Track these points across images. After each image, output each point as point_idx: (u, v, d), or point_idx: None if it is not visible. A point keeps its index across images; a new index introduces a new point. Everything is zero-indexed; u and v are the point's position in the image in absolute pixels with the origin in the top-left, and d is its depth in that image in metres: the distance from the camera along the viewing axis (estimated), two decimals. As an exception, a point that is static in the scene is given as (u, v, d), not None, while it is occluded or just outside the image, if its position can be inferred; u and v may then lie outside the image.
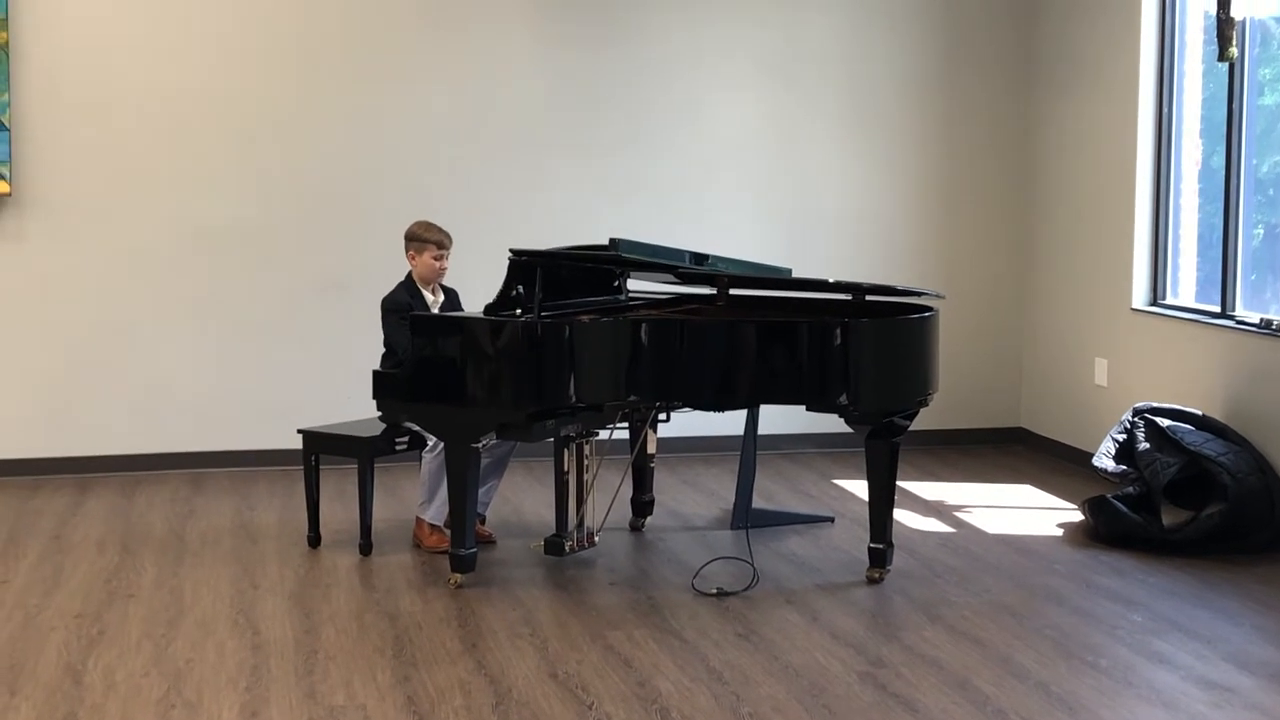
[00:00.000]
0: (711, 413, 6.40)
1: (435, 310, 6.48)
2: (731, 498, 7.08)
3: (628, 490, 6.89)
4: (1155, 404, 7.07)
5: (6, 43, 7.60)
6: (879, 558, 6.09)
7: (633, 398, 5.95)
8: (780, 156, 8.61)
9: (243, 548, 6.58)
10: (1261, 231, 7.26)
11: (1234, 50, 6.87)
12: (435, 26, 8.19)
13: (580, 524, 6.36)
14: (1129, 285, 7.88)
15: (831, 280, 6.57)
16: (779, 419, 7.69)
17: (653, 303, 6.66)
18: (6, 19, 7.59)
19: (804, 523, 7.00)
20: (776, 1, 8.53)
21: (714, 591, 5.90)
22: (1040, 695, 4.85)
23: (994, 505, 7.43)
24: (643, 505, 6.94)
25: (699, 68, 8.47)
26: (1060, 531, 6.93)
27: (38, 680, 4.95)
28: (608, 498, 6.68)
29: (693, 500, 7.47)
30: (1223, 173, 7.26)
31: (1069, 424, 8.44)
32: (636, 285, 6.83)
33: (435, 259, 6.50)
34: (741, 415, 6.89)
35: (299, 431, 6.60)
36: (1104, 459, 6.93)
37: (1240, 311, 7.18)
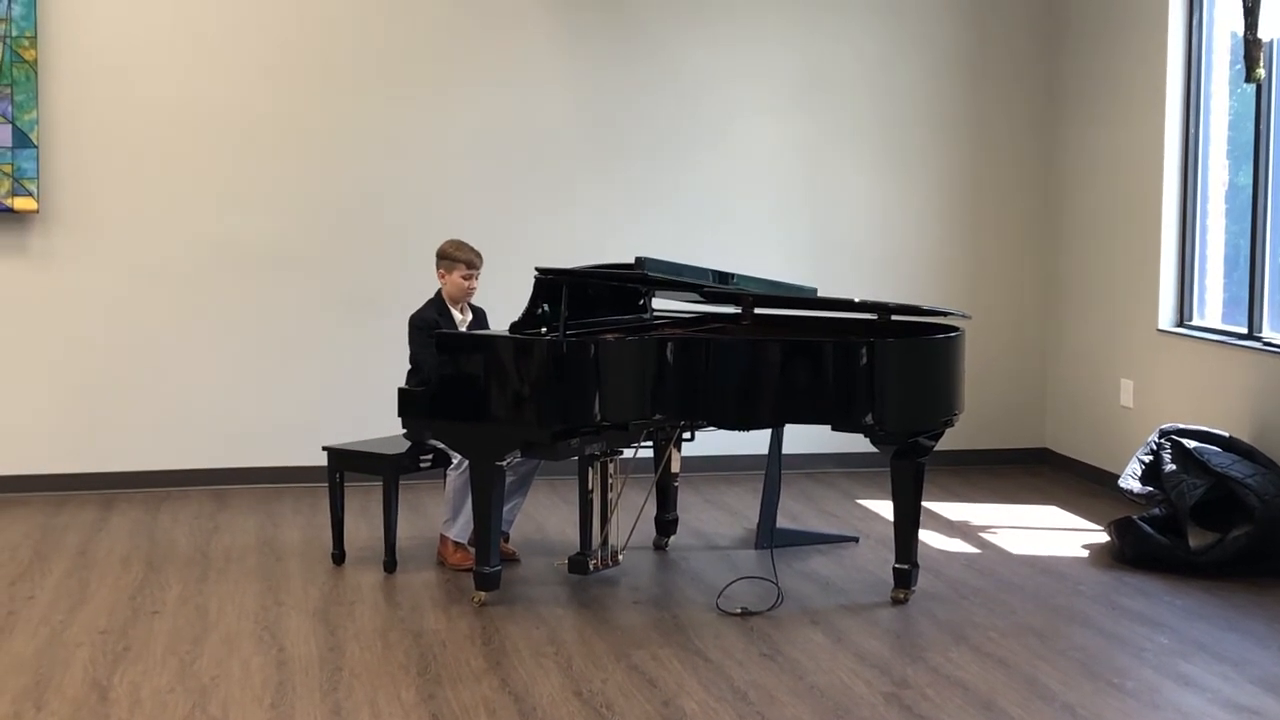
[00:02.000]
0: (736, 432, 6.39)
1: (463, 329, 6.49)
2: (755, 517, 7.07)
3: (651, 509, 6.88)
4: (1181, 425, 7.04)
5: (35, 61, 7.65)
6: (904, 578, 6.08)
7: (658, 416, 5.95)
8: (805, 177, 8.61)
9: (267, 564, 6.59)
10: (1288, 252, 7.24)
11: (1261, 71, 6.87)
12: (462, 45, 8.21)
13: (604, 542, 6.35)
14: (1155, 306, 7.85)
15: (857, 300, 6.57)
16: (803, 438, 7.69)
17: (678, 322, 6.66)
18: (35, 37, 7.64)
19: (828, 543, 6.98)
20: (801, 26, 8.54)
21: (738, 611, 5.89)
22: (1066, 717, 4.83)
23: (1019, 526, 7.40)
24: (666, 524, 6.93)
25: (725, 89, 8.48)
26: (1086, 553, 6.90)
27: (64, 696, 4.97)
28: (632, 516, 6.68)
29: (716, 519, 7.46)
30: (1249, 192, 7.25)
31: (1094, 445, 8.41)
32: (661, 304, 6.83)
33: (465, 278, 6.51)
34: (766, 435, 6.88)
35: (324, 448, 6.62)
36: (1130, 480, 6.91)
37: (1267, 332, 7.15)
